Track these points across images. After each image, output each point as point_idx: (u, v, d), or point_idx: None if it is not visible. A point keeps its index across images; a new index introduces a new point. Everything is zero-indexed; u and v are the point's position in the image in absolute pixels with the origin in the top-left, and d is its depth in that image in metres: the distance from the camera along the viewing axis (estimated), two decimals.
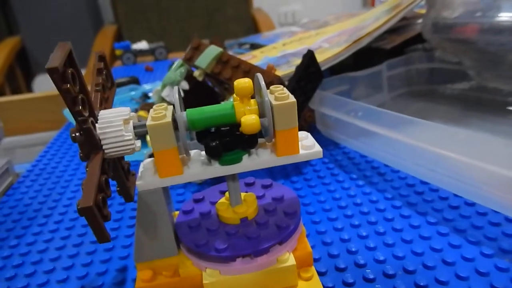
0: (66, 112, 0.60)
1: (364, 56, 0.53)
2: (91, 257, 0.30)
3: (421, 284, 0.23)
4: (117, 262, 0.29)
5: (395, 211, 0.31)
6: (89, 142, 0.21)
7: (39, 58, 1.87)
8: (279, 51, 0.57)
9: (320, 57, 0.43)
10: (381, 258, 0.25)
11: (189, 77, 0.42)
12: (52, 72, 0.18)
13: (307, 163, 0.40)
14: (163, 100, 0.42)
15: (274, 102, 0.21)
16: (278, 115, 0.21)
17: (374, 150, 0.39)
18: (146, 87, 0.73)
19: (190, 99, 0.35)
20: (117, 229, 0.33)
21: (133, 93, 0.69)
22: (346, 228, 0.29)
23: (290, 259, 0.22)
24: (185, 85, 0.41)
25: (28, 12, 1.77)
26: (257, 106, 0.22)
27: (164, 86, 0.42)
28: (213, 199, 0.26)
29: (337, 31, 0.59)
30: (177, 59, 0.81)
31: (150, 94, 0.66)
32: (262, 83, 0.21)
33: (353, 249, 0.27)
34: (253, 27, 1.73)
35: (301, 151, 0.22)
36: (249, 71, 0.37)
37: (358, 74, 0.50)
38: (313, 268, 0.24)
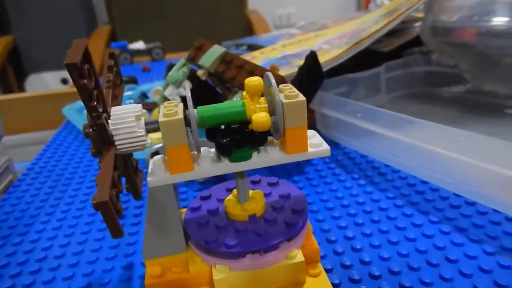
0: (66, 110, 0.60)
1: (363, 59, 0.53)
2: (97, 254, 0.30)
3: (426, 281, 0.23)
4: (123, 260, 0.29)
5: (398, 210, 0.31)
6: (101, 138, 0.21)
7: (32, 58, 1.84)
8: (279, 52, 0.57)
9: (321, 59, 0.43)
10: (386, 255, 0.26)
11: (191, 76, 0.43)
12: (70, 68, 0.18)
13: (308, 162, 0.40)
14: (165, 99, 0.42)
15: (284, 101, 0.21)
16: (288, 113, 0.21)
17: (374, 150, 0.40)
18: (144, 87, 0.73)
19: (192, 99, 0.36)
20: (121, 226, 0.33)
21: (131, 92, 0.69)
22: (350, 226, 0.30)
23: (298, 256, 0.23)
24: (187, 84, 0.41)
25: (21, 12, 1.75)
26: (267, 104, 0.22)
27: (167, 85, 0.42)
28: (220, 197, 0.27)
29: (336, 34, 0.60)
30: (174, 59, 0.80)
31: (149, 94, 0.66)
32: (273, 81, 0.22)
33: (358, 247, 0.27)
34: (248, 29, 1.73)
35: (310, 149, 0.23)
36: (253, 71, 0.37)
37: (357, 76, 0.51)
38: (320, 264, 0.24)
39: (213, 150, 0.24)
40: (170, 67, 0.82)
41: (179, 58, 1.05)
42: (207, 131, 0.23)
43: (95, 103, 0.20)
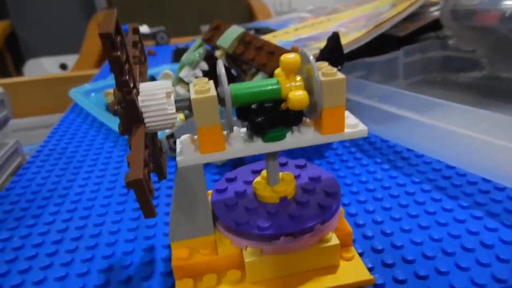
0: (72, 93, 0.59)
1: (377, 42, 0.52)
2: (115, 237, 0.29)
3: (462, 266, 0.23)
4: (143, 242, 0.29)
5: (425, 194, 0.30)
6: (131, 115, 0.20)
7: (30, 43, 1.81)
8: (293, 35, 0.56)
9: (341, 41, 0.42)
10: (418, 240, 0.25)
11: (207, 58, 0.42)
12: (104, 38, 0.17)
13: (328, 147, 0.40)
14: (180, 80, 0.41)
15: (322, 78, 0.20)
16: (327, 92, 0.21)
17: (396, 134, 0.39)
18: (152, 70, 0.72)
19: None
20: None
21: None
22: (378, 210, 0.29)
23: (333, 239, 0.22)
24: (204, 65, 0.40)
25: None
26: (303, 82, 0.21)
27: (182, 67, 0.41)
28: (247, 179, 0.26)
29: (349, 18, 0.58)
30: (180, 44, 0.78)
31: (158, 78, 0.65)
32: (311, 57, 0.21)
33: (388, 231, 0.26)
34: (249, 14, 1.71)
35: (346, 130, 0.22)
36: (273, 51, 0.36)
37: (374, 60, 0.49)
38: (353, 248, 0.23)
39: (243, 130, 0.23)
40: (177, 51, 0.81)
41: (186, 43, 1.03)
42: (238, 110, 0.22)
43: (127, 77, 0.19)
